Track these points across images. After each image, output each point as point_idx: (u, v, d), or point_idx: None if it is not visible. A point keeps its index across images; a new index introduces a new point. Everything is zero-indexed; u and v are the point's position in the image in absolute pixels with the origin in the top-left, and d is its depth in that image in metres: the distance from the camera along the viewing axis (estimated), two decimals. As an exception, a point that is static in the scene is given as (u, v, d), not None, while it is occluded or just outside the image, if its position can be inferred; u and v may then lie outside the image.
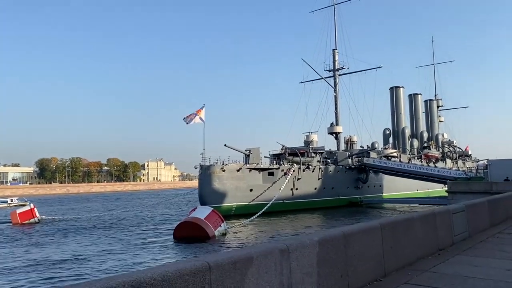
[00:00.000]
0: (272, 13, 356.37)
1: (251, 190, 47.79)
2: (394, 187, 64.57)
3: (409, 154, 76.28)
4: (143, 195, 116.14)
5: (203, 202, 45.06)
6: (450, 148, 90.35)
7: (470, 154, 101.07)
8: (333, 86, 70.49)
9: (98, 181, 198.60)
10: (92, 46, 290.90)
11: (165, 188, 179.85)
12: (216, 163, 47.10)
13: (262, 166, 49.50)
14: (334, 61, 71.05)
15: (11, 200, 76.33)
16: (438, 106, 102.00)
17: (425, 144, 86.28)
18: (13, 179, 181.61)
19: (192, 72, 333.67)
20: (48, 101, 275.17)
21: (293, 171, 50.68)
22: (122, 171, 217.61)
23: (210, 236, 28.76)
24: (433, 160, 76.71)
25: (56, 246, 27.68)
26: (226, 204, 45.69)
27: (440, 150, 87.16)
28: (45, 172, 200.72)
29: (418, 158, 75.52)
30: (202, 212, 30.38)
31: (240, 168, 47.37)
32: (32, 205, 45.39)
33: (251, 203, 47.06)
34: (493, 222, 12.31)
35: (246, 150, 50.03)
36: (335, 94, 70.11)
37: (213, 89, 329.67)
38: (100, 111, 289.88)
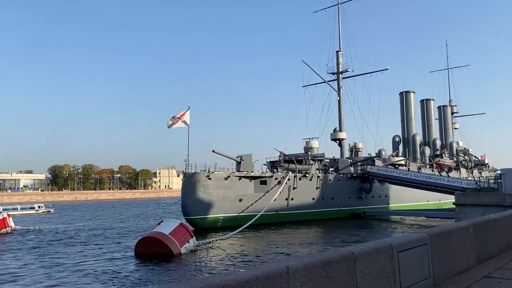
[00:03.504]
0: (272, 13, 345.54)
1: (240, 200, 44.01)
2: (402, 198, 59.88)
3: (419, 163, 71.41)
4: (145, 203, 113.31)
5: (186, 213, 41.60)
6: (465, 156, 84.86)
7: (487, 163, 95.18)
8: (336, 89, 66.40)
9: (110, 189, 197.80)
10: (104, 53, 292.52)
11: (174, 196, 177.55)
12: (203, 170, 43.43)
13: (253, 174, 45.71)
14: (337, 64, 66.95)
15: (38, 207, 76.10)
16: (452, 113, 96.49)
17: (438, 152, 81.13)
18: (24, 186, 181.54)
19: (192, 76, 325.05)
20: (63, 109, 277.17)
21: (288, 179, 46.80)
22: (134, 179, 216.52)
23: (174, 253, 25.20)
24: (446, 169, 71.60)
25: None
26: (212, 215, 41.98)
27: (454, 158, 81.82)
28: (57, 179, 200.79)
29: (429, 167, 70.67)
30: (168, 226, 26.78)
31: (229, 176, 43.64)
32: (6, 214, 42.67)
33: (240, 214, 43.30)
34: (482, 256, 8.36)
35: (237, 157, 46.37)
36: (338, 98, 65.94)
37: (210, 93, 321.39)
38: (116, 119, 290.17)
